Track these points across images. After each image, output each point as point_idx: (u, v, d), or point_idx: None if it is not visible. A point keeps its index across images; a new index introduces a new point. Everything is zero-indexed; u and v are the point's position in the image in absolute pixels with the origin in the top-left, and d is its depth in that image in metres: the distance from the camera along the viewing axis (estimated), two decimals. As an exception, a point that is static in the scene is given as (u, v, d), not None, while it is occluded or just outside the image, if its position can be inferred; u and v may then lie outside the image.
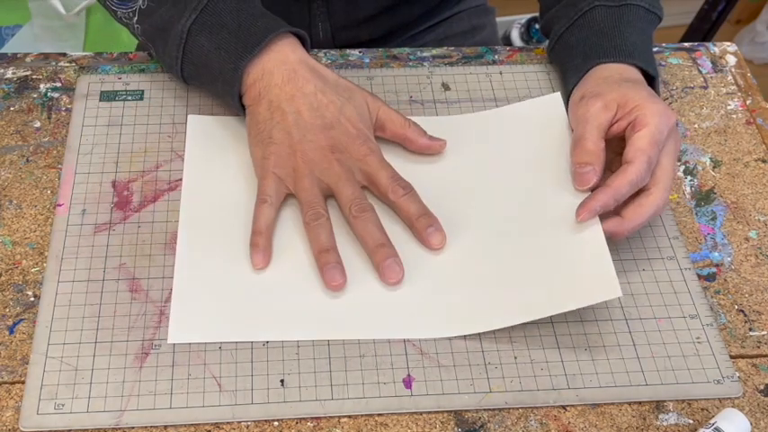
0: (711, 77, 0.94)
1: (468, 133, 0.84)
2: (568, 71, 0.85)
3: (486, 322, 0.71)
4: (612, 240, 0.73)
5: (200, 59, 0.79)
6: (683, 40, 1.73)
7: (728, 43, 0.98)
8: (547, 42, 0.92)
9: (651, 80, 0.82)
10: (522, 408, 0.68)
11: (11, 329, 0.70)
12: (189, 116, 0.84)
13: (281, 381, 0.68)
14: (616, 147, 0.77)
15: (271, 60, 0.77)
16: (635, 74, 0.81)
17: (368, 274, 0.73)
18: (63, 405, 0.66)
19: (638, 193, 0.74)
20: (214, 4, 0.78)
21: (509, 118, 0.85)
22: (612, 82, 0.78)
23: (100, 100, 0.86)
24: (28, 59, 0.91)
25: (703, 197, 0.82)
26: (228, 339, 0.69)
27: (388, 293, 0.72)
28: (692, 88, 0.92)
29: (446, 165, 0.81)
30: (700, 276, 0.76)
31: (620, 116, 0.76)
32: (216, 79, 0.79)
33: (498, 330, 0.71)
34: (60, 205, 0.77)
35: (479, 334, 0.71)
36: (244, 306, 0.71)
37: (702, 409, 0.68)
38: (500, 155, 0.82)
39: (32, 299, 0.72)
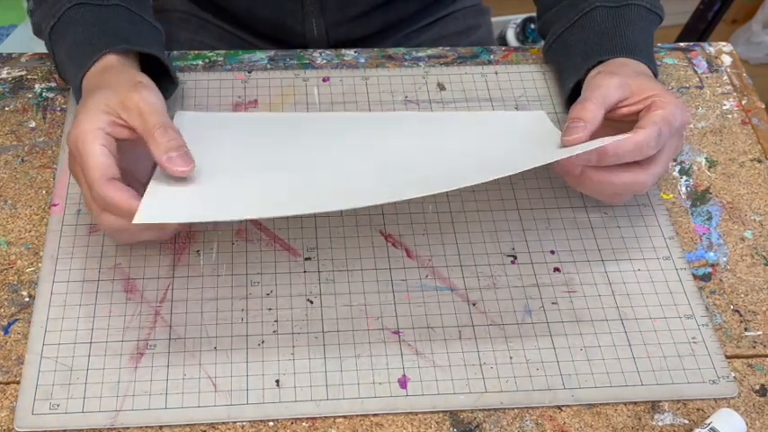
0: (707, 77, 0.94)
1: (450, 128, 0.85)
2: (566, 70, 0.85)
3: (449, 182, 0.70)
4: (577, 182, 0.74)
5: (59, 65, 0.82)
6: (679, 39, 1.73)
7: (724, 43, 0.98)
8: (543, 42, 0.92)
9: None
10: (517, 408, 0.68)
11: (6, 329, 0.70)
12: (176, 112, 0.85)
13: (277, 381, 0.68)
14: (626, 129, 0.75)
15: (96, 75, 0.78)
16: (645, 68, 0.80)
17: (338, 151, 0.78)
18: (58, 405, 0.66)
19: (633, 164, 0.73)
20: (72, 12, 0.79)
21: (492, 120, 0.86)
22: (631, 71, 0.78)
23: (95, 100, 0.86)
24: (23, 59, 0.91)
25: (699, 197, 0.82)
26: (198, 219, 0.68)
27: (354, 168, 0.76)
28: (688, 88, 0.92)
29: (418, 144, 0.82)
30: (695, 276, 0.76)
31: (633, 100, 0.75)
32: (71, 84, 0.80)
33: (494, 330, 0.71)
34: (55, 205, 0.77)
35: (474, 334, 0.71)
36: (216, 188, 0.71)
37: (698, 410, 0.68)
38: (477, 147, 0.82)
39: (27, 299, 0.72)
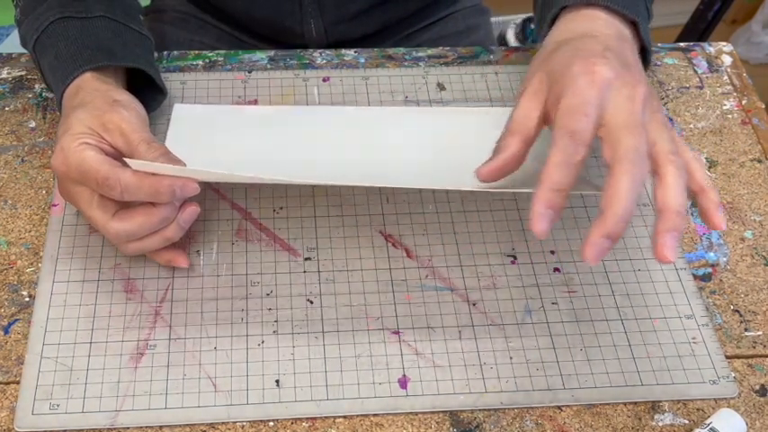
0: (707, 77, 0.94)
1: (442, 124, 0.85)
2: (540, 34, 0.79)
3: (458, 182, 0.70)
4: (615, 240, 0.60)
5: (44, 77, 0.81)
6: (679, 40, 1.73)
7: (724, 43, 0.98)
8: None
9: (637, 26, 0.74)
10: (517, 408, 0.68)
11: (6, 329, 0.70)
12: (174, 105, 0.85)
13: (277, 381, 0.68)
14: None
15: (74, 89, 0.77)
16: (591, 23, 0.71)
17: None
18: (58, 405, 0.66)
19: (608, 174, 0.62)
20: (56, 26, 0.79)
21: (485, 116, 0.86)
22: (544, 53, 0.69)
23: (95, 100, 0.86)
24: (23, 59, 0.91)
25: (699, 197, 0.82)
26: (199, 175, 0.68)
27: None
28: (688, 88, 0.92)
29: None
30: (695, 276, 0.76)
31: (551, 100, 0.65)
32: (55, 97, 0.79)
33: (494, 330, 0.71)
34: (55, 205, 0.77)
35: (474, 334, 0.71)
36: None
37: (698, 410, 0.68)
38: (471, 145, 0.82)
39: (27, 299, 0.72)
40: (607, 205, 0.59)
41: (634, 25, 0.74)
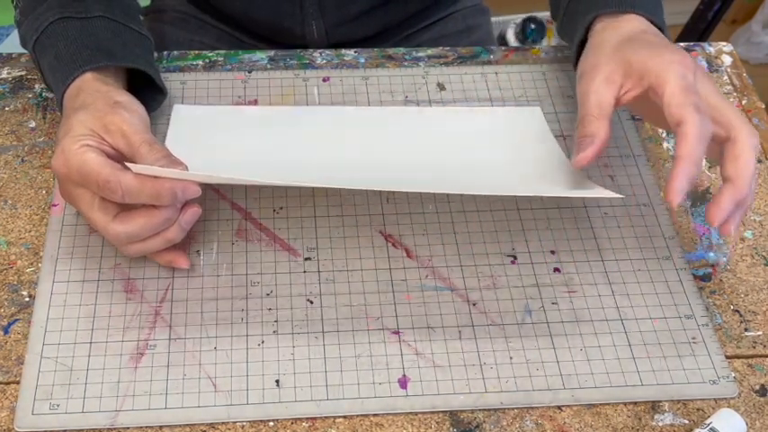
0: (707, 77, 0.93)
1: (443, 125, 0.85)
2: (574, 39, 0.84)
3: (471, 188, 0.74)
4: (743, 209, 0.69)
5: (45, 78, 0.81)
6: (679, 40, 1.73)
7: (724, 43, 0.98)
8: (543, 43, 0.92)
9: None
10: (517, 408, 0.68)
11: (6, 329, 0.70)
12: (174, 105, 0.85)
13: (277, 381, 0.68)
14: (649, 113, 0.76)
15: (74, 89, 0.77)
16: (636, 24, 0.77)
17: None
18: (58, 405, 0.66)
19: (723, 150, 0.69)
20: (55, 27, 0.79)
21: (485, 116, 0.86)
22: (609, 49, 0.75)
23: (95, 100, 0.86)
24: (23, 59, 0.91)
25: (699, 197, 0.82)
26: (199, 177, 0.69)
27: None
28: (688, 88, 0.92)
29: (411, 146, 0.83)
30: (695, 276, 0.76)
31: (628, 87, 0.72)
32: (56, 97, 0.79)
33: (494, 330, 0.71)
34: (55, 205, 0.77)
35: (474, 334, 0.71)
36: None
37: (698, 410, 0.68)
38: (472, 146, 0.82)
39: (27, 299, 0.72)
40: (735, 176, 0.67)
41: (660, 30, 0.79)
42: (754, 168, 0.68)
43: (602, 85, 0.73)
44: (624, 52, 0.73)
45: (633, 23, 0.78)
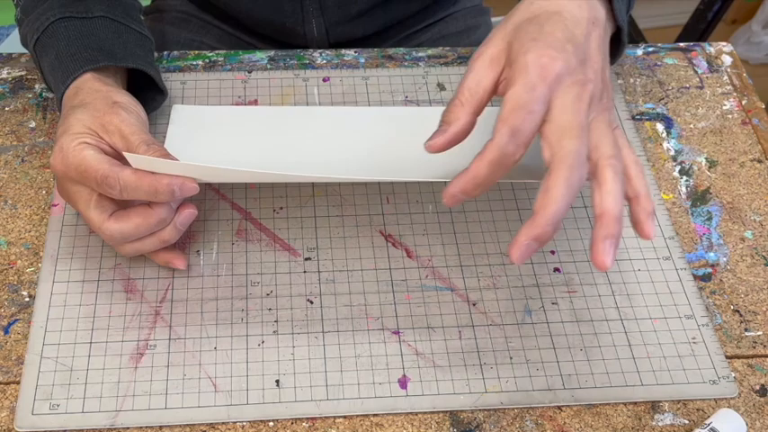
0: (707, 77, 0.94)
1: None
2: None
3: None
4: (543, 243, 0.60)
5: (45, 77, 0.81)
6: (679, 40, 1.73)
7: (724, 43, 0.98)
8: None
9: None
10: (517, 408, 0.68)
11: (6, 330, 0.70)
12: (173, 105, 0.85)
13: (277, 381, 0.68)
14: None
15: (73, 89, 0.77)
16: (561, 2, 0.67)
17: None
18: (58, 405, 0.66)
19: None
20: (56, 26, 0.78)
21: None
22: (511, 24, 0.66)
23: (95, 100, 0.86)
24: (23, 59, 0.91)
25: (699, 197, 0.82)
26: (195, 173, 0.68)
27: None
28: (688, 88, 0.92)
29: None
30: (695, 276, 0.76)
31: (506, 75, 0.64)
32: (55, 97, 0.79)
33: (494, 330, 0.71)
34: (55, 205, 0.77)
35: (474, 334, 0.71)
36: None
37: (698, 410, 0.68)
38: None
39: (27, 299, 0.72)
40: (540, 207, 0.59)
41: (609, 2, 0.71)
42: (558, 207, 0.58)
43: (484, 65, 0.65)
44: (517, 33, 0.64)
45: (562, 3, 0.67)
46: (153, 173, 0.67)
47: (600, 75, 0.65)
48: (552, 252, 0.77)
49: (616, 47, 0.75)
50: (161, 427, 0.65)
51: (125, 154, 0.67)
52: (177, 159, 0.70)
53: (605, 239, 0.59)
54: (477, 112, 0.64)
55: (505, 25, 0.66)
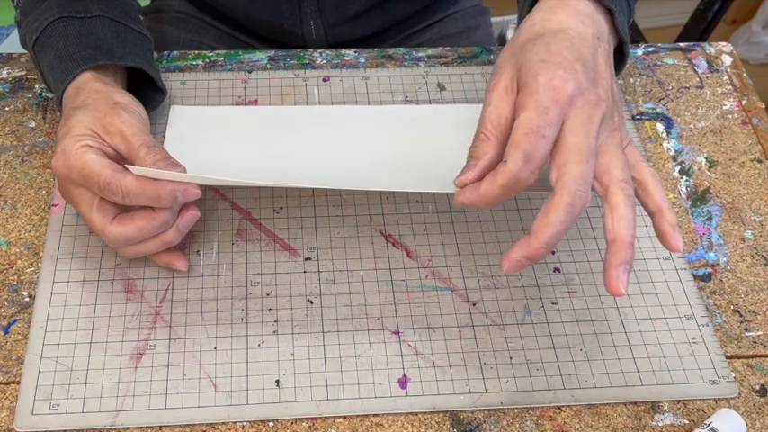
0: (707, 77, 0.94)
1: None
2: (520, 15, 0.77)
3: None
4: (535, 261, 0.60)
5: (44, 77, 0.81)
6: (679, 40, 1.73)
7: (724, 43, 0.98)
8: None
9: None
10: (517, 408, 0.68)
11: (6, 330, 0.70)
12: (172, 106, 0.85)
13: (277, 381, 0.68)
14: None
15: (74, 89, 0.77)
16: (574, 17, 0.67)
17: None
18: (58, 405, 0.66)
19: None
20: (55, 26, 0.78)
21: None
22: (519, 46, 0.66)
23: (95, 100, 0.86)
24: (23, 59, 0.91)
25: (699, 197, 0.82)
26: (196, 179, 0.68)
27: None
28: (688, 88, 0.92)
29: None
30: (695, 276, 0.76)
31: (518, 98, 0.63)
32: (55, 97, 0.79)
33: (494, 330, 0.71)
34: (55, 205, 0.77)
35: (474, 334, 0.71)
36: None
37: (698, 410, 0.68)
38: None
39: (27, 299, 0.72)
40: (537, 229, 0.59)
41: (611, 15, 0.71)
42: (555, 232, 0.59)
43: (500, 96, 0.65)
44: (524, 54, 0.65)
45: (568, 13, 0.67)
46: (155, 179, 0.67)
47: (610, 92, 0.65)
48: (552, 252, 0.77)
49: (618, 59, 0.75)
50: (161, 427, 0.65)
51: (128, 167, 0.67)
52: (178, 162, 0.70)
53: (618, 266, 0.59)
54: (503, 144, 0.63)
55: (512, 48, 0.67)
